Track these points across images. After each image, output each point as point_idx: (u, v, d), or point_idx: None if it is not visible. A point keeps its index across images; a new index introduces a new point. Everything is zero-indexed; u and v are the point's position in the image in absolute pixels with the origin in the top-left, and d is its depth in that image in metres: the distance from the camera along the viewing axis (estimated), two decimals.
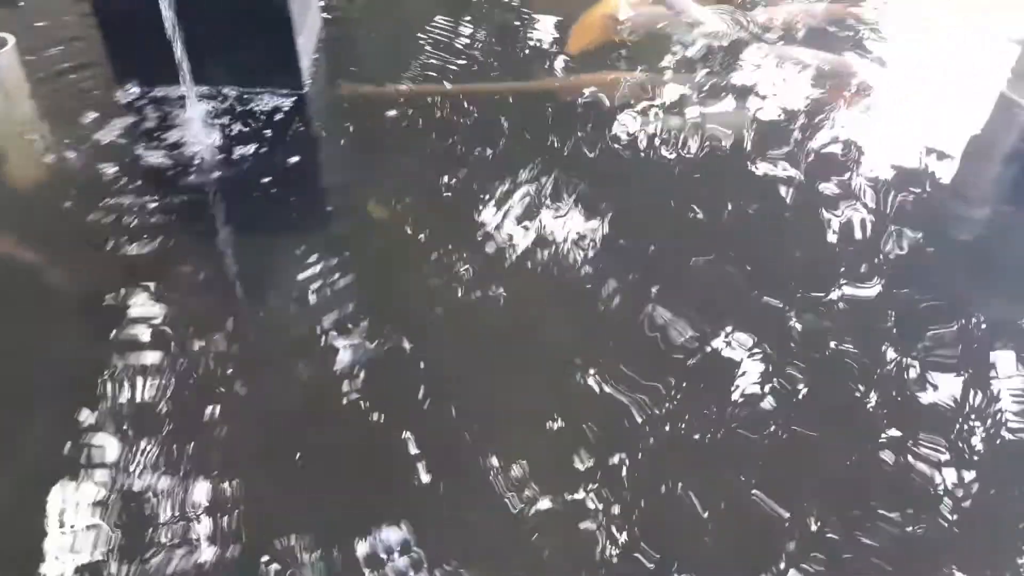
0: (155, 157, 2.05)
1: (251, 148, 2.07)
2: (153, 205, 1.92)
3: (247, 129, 2.12)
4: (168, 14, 1.93)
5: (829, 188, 2.02)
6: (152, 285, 1.73)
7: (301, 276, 1.78)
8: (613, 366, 1.61)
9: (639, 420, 1.52)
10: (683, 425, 1.52)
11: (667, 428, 1.51)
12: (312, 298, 1.73)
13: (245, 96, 2.21)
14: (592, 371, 1.60)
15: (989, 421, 1.55)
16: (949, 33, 2.57)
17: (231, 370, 1.59)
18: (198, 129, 2.11)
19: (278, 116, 2.16)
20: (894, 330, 1.70)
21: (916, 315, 1.74)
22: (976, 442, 1.51)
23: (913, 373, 1.62)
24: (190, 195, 1.97)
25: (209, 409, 1.52)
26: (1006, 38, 2.49)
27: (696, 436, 1.51)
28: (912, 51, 2.50)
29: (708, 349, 1.65)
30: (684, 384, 1.58)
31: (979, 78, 2.37)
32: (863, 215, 1.95)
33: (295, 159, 2.07)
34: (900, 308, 1.74)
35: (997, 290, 1.84)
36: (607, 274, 1.80)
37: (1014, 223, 2.05)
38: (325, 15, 2.53)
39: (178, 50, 1.99)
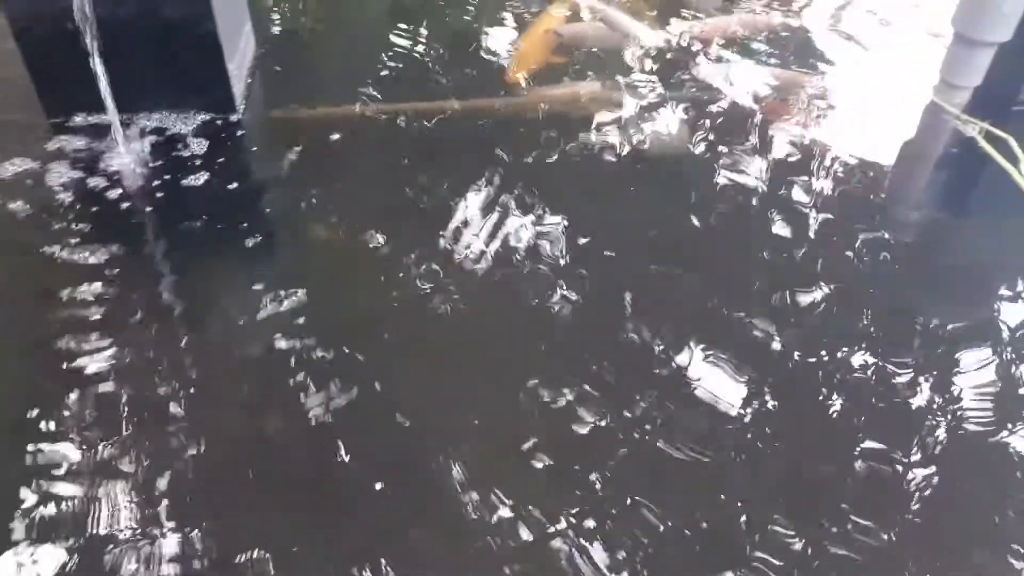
0: (82, 190, 1.97)
1: (186, 176, 2.01)
2: (78, 240, 1.84)
3: (180, 157, 2.05)
4: (91, 41, 1.86)
5: (777, 197, 2.05)
6: (92, 321, 1.67)
7: (248, 302, 1.73)
8: (574, 379, 1.60)
9: (601, 433, 1.52)
10: (648, 437, 1.52)
11: (632, 440, 1.51)
12: (261, 322, 1.69)
13: (177, 123, 2.14)
14: (551, 384, 1.59)
15: (950, 419, 1.58)
16: (878, 40, 2.62)
17: (182, 401, 1.56)
18: (128, 159, 2.04)
19: (213, 143, 2.10)
20: (851, 333, 1.73)
21: (870, 318, 1.77)
22: (939, 441, 1.55)
23: (872, 376, 1.65)
24: (122, 228, 1.90)
25: (162, 436, 1.50)
26: (930, 42, 2.56)
27: (661, 447, 1.51)
28: (844, 59, 2.54)
29: (670, 359, 1.65)
30: (647, 395, 1.59)
31: (910, 85, 2.43)
32: (810, 222, 1.98)
33: (233, 185, 2.01)
34: (854, 311, 1.78)
35: (943, 292, 1.89)
36: (564, 287, 1.79)
37: (949, 227, 2.10)
38: (275, 29, 2.49)
39: (103, 78, 1.92)
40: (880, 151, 2.22)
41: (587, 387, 1.60)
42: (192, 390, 1.58)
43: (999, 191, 2.11)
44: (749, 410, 1.58)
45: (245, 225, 1.94)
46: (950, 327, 1.77)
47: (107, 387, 1.56)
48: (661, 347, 1.68)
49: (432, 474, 1.45)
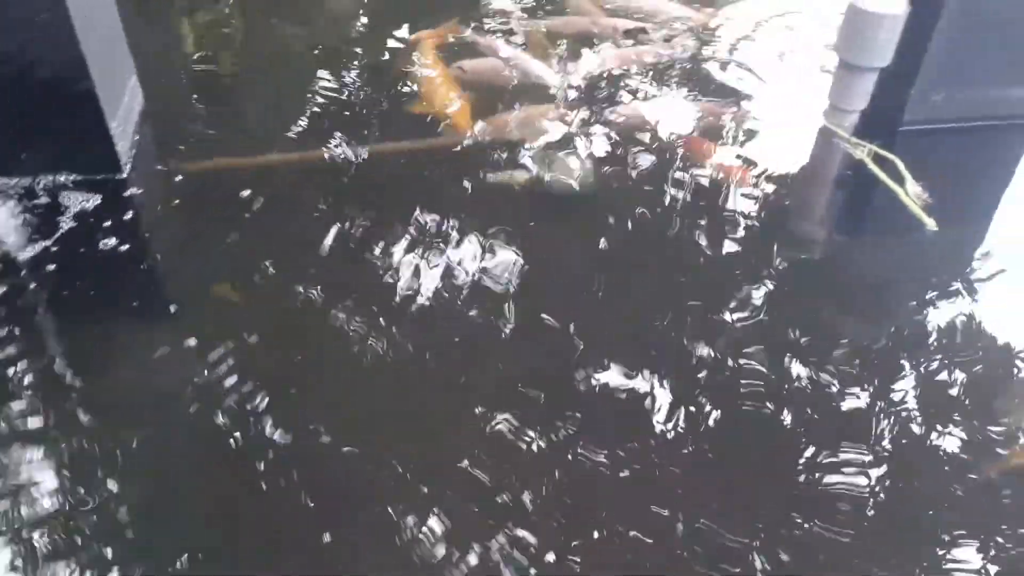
0: None
1: (70, 241, 1.92)
2: None
3: (61, 221, 1.96)
4: None
5: (693, 222, 2.10)
6: None
7: (156, 362, 1.70)
8: (512, 406, 1.62)
9: (545, 458, 1.54)
10: (596, 460, 1.55)
11: (581, 466, 1.54)
12: (170, 379, 1.67)
13: (59, 186, 2.04)
14: (493, 413, 1.61)
15: (888, 423, 1.65)
16: (768, 69, 2.68)
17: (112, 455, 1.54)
18: (5, 225, 1.94)
19: (97, 204, 2.01)
20: (779, 346, 1.79)
21: (799, 331, 1.83)
22: (882, 444, 1.61)
23: (800, 384, 1.71)
24: (5, 299, 1.81)
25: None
26: (816, 68, 2.64)
27: (611, 469, 1.53)
28: (742, 89, 2.59)
29: (611, 382, 1.69)
30: (592, 419, 1.62)
31: (803, 111, 2.48)
32: (727, 244, 2.03)
33: (125, 247, 1.93)
34: (780, 327, 1.83)
35: (856, 305, 1.96)
36: (496, 317, 1.81)
37: (850, 245, 2.17)
38: (171, 80, 2.42)
39: None
40: (779, 176, 2.26)
41: (526, 413, 1.62)
42: (124, 450, 1.55)
43: (889, 210, 2.16)
44: (687, 424, 1.62)
45: (139, 287, 1.89)
46: (856, 337, 1.83)
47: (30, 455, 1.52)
48: (608, 370, 1.71)
49: (378, 511, 1.45)
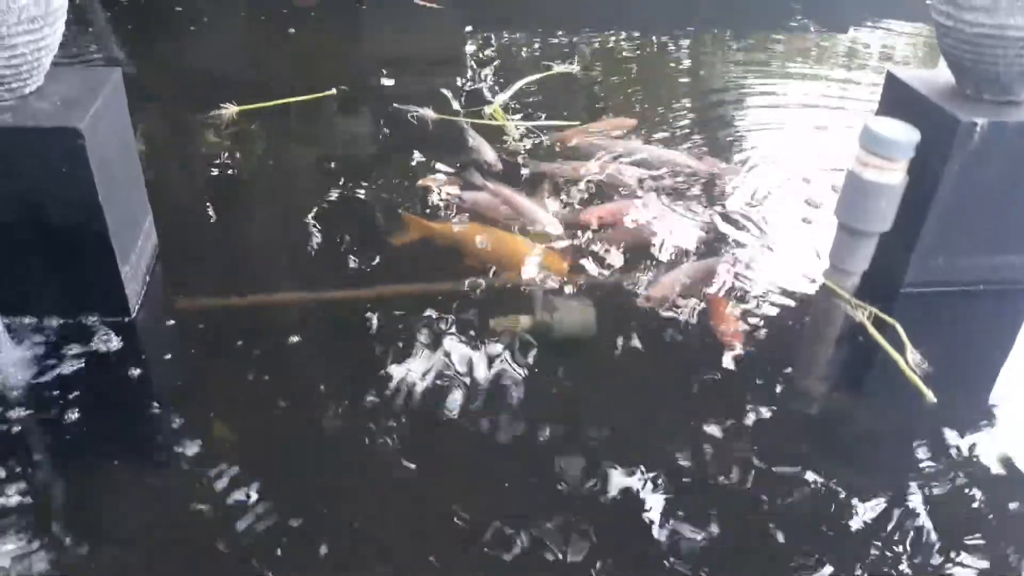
0: None
1: (75, 381, 1.95)
2: None
3: (70, 361, 1.99)
4: None
5: (691, 375, 2.15)
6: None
7: (161, 502, 1.75)
8: (516, 510, 1.69)
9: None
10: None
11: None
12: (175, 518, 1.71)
13: (70, 325, 2.08)
14: (492, 516, 1.67)
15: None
16: (769, 222, 2.73)
17: None
18: (13, 363, 1.96)
19: (105, 346, 2.04)
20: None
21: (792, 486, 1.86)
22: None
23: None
24: (9, 439, 1.82)
25: None
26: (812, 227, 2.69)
27: None
28: (736, 239, 2.64)
29: (613, 483, 1.78)
30: (594, 526, 1.67)
31: (802, 267, 2.52)
32: (725, 398, 2.07)
33: (129, 388, 1.96)
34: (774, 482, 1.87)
35: (850, 462, 1.96)
36: (490, 431, 1.91)
37: (848, 406, 2.16)
38: (190, 216, 2.48)
39: None
40: (779, 334, 2.28)
41: (522, 525, 1.66)
42: None
43: (888, 374, 2.15)
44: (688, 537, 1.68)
45: (145, 428, 1.92)
46: (849, 492, 1.83)
47: None
48: (607, 471, 1.81)
49: None
